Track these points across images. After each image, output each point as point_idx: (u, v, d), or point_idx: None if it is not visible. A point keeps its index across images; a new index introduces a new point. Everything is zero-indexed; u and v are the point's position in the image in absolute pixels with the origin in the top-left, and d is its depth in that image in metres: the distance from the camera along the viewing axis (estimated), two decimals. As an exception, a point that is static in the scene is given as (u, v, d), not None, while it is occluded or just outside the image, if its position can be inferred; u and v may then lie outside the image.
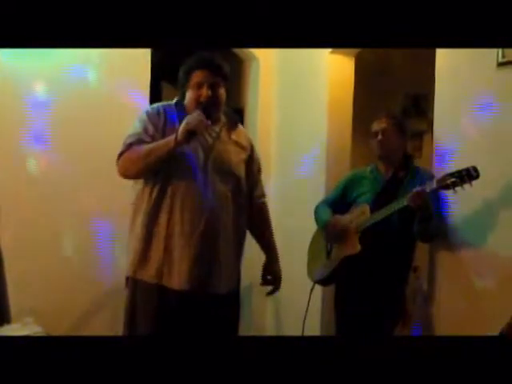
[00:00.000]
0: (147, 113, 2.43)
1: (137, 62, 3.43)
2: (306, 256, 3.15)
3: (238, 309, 2.53)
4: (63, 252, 3.23)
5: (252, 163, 2.57)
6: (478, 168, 2.41)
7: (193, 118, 2.27)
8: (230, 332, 2.44)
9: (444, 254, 2.83)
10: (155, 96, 3.78)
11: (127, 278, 2.41)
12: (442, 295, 2.82)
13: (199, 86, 2.39)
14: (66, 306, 3.18)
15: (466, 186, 2.43)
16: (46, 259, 3.15)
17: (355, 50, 3.66)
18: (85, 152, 3.26)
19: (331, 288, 3.08)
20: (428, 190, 2.53)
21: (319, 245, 3.06)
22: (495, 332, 2.11)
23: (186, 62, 2.44)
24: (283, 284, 2.66)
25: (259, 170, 2.65)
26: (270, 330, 3.97)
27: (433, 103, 2.94)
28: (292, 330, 3.57)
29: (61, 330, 2.97)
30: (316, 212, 3.08)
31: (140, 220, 2.36)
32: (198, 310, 2.35)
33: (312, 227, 3.13)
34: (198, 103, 2.36)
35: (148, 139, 2.35)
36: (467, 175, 2.41)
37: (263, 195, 2.67)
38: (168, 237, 2.33)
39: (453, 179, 2.44)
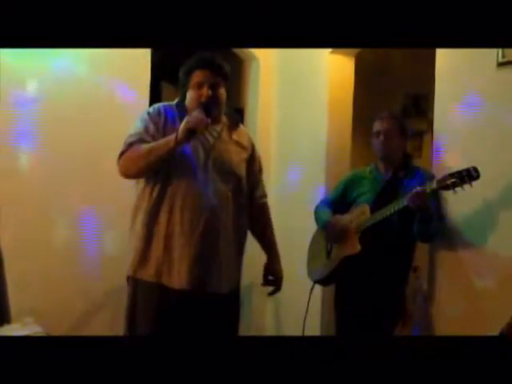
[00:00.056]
0: (149, 113, 2.43)
1: (137, 62, 3.43)
2: (306, 256, 3.16)
3: (238, 309, 2.53)
4: (63, 252, 3.23)
5: (253, 163, 2.57)
6: (478, 168, 2.41)
7: (193, 116, 2.27)
8: (229, 332, 2.44)
9: (444, 253, 2.83)
10: (155, 96, 3.78)
11: (128, 278, 2.41)
12: (442, 295, 2.83)
13: (200, 85, 2.39)
14: (66, 306, 3.18)
15: (466, 186, 2.43)
16: (46, 259, 3.15)
17: (355, 50, 3.66)
18: (87, 152, 3.26)
19: (331, 288, 3.09)
20: (428, 191, 2.53)
21: (319, 245, 3.06)
22: (495, 332, 2.11)
23: (187, 62, 2.45)
24: (283, 284, 2.66)
25: (260, 170, 2.65)
26: (269, 329, 3.97)
27: (433, 103, 2.95)
28: (292, 330, 3.56)
29: (61, 330, 2.96)
30: (316, 212, 3.09)
31: (140, 219, 2.37)
32: (198, 309, 2.35)
33: (312, 227, 3.13)
34: (199, 103, 2.36)
35: (149, 139, 2.35)
36: (467, 176, 2.41)
37: (264, 195, 2.67)
38: (168, 236, 2.33)
39: (453, 180, 2.44)
